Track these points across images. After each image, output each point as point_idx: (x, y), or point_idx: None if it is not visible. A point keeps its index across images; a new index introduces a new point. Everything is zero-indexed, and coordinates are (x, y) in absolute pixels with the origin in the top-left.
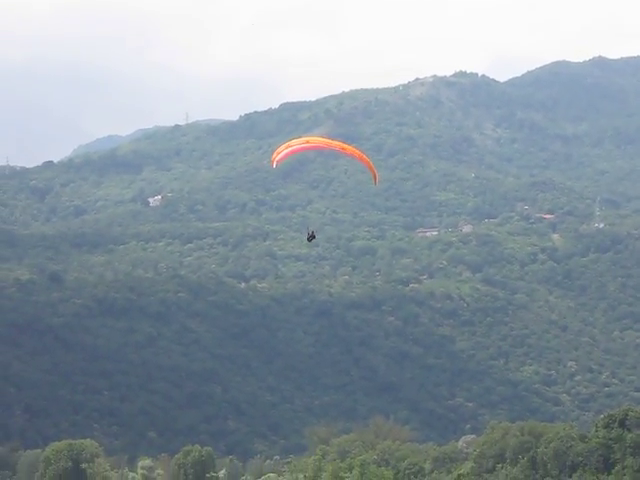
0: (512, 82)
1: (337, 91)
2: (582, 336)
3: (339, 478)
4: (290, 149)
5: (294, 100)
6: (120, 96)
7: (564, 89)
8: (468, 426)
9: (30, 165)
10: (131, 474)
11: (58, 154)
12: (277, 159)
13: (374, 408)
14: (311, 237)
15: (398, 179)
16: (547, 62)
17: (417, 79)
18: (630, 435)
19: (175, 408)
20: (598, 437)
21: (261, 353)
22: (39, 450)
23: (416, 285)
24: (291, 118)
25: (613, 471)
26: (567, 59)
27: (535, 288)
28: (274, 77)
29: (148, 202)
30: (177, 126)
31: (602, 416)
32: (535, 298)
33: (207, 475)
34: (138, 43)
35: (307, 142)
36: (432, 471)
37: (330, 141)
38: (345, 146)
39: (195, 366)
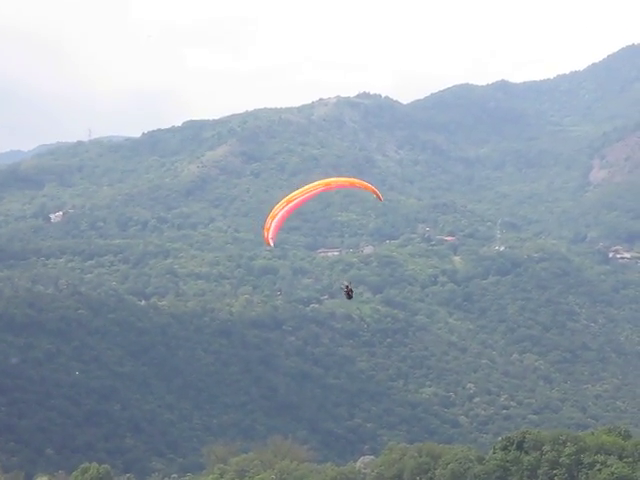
0: (415, 104)
1: (241, 109)
2: (481, 358)
3: None
4: (277, 218)
5: (198, 118)
6: (24, 110)
7: (467, 112)
8: (367, 447)
9: None
10: None
11: None
12: (271, 236)
13: (273, 428)
14: (348, 293)
15: None
16: (450, 85)
17: (321, 99)
18: (527, 458)
19: (73, 425)
20: (496, 459)
21: (160, 371)
22: None
23: (317, 305)
24: (194, 136)
25: None
26: (470, 82)
27: (435, 310)
28: (180, 93)
29: (49, 218)
30: (80, 142)
31: (500, 438)
32: (435, 320)
33: None
34: (45, 56)
35: (289, 201)
36: None
37: (317, 184)
38: (338, 181)
39: (94, 383)
